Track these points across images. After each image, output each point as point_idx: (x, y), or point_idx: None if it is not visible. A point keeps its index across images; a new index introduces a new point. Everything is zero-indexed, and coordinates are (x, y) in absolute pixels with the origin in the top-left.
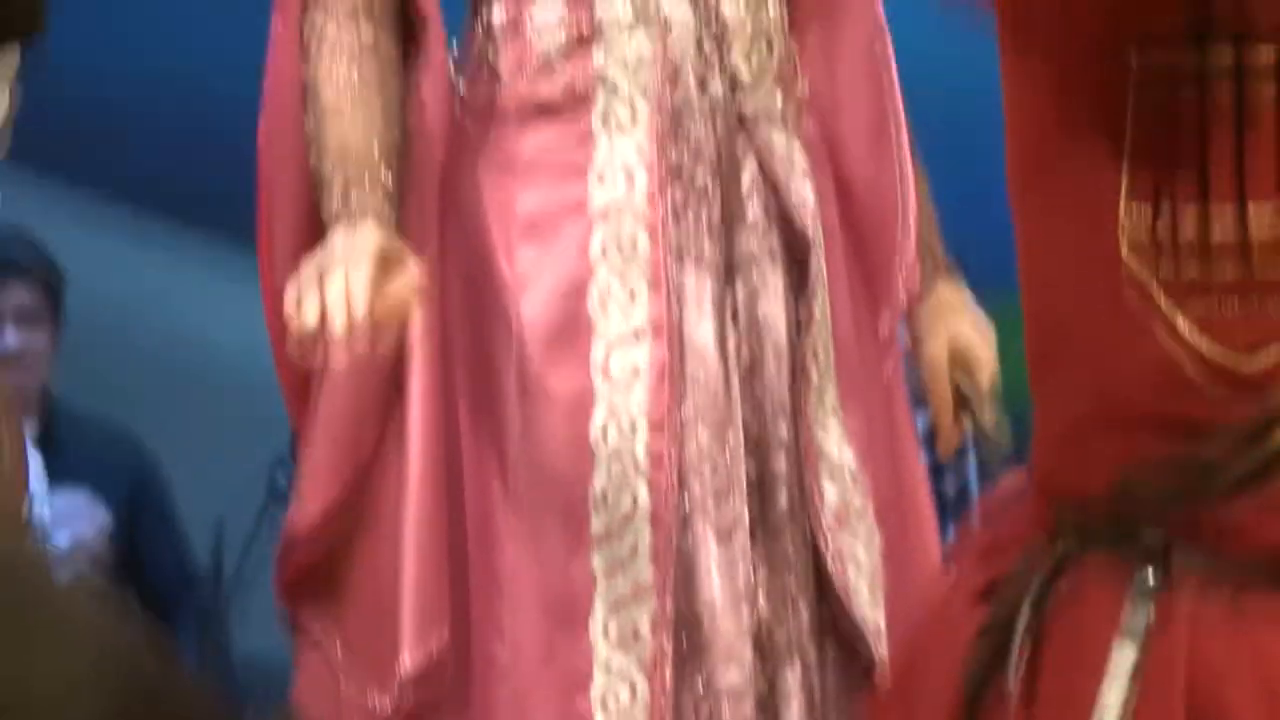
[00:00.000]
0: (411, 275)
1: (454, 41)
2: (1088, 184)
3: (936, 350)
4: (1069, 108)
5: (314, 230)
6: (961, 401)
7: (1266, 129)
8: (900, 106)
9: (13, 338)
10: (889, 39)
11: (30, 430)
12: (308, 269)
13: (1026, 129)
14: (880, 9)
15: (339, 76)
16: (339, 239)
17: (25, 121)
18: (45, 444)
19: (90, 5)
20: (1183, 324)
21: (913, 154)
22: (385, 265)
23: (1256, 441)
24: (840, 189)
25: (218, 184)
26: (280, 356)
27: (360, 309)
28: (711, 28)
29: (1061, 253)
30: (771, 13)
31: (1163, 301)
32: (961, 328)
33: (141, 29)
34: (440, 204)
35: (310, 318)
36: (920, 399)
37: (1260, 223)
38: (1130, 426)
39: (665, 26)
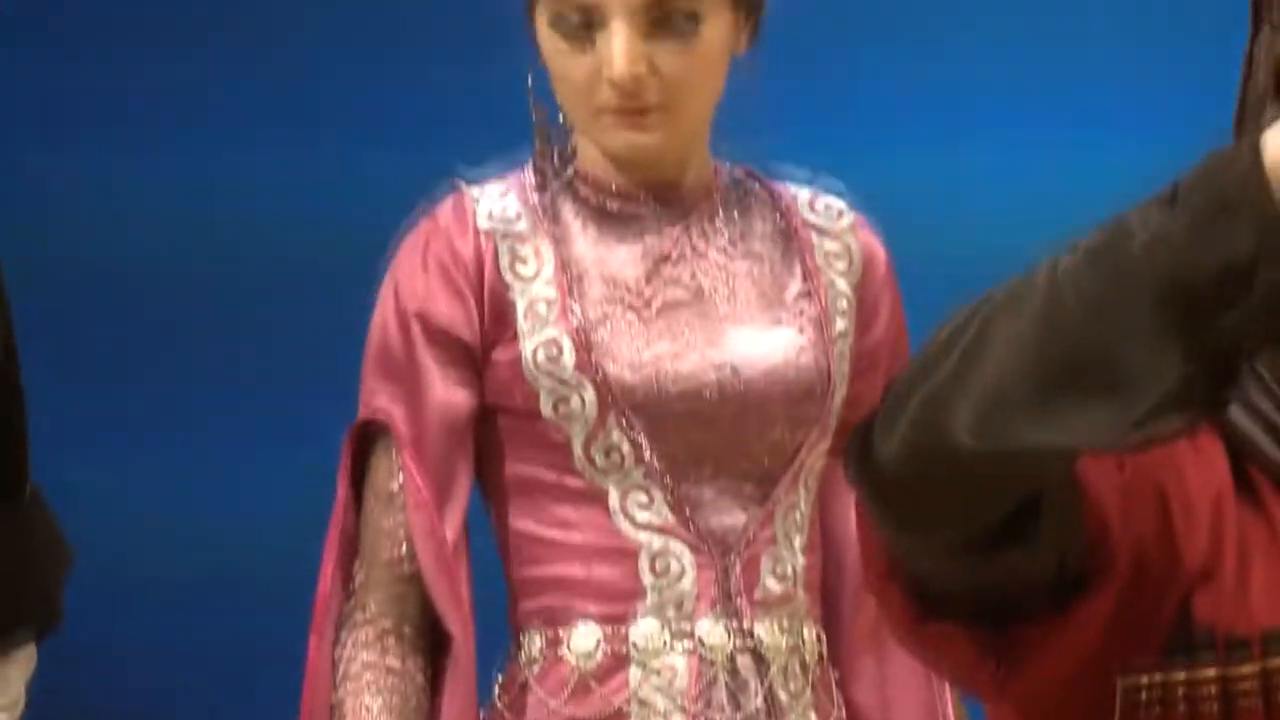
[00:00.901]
0: None
1: (496, 675)
2: None
3: None
4: None
5: None
6: None
7: None
8: (952, 715)
9: None
10: None
11: None
12: None
13: None
14: None
15: (362, 704)
16: None
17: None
18: None
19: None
20: None
21: None
22: None
23: None
24: None
25: None
26: None
27: None
28: (747, 649)
29: None
30: (808, 637)
31: None
32: None
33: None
34: None
35: None
36: None
37: None
38: None
39: (700, 647)
